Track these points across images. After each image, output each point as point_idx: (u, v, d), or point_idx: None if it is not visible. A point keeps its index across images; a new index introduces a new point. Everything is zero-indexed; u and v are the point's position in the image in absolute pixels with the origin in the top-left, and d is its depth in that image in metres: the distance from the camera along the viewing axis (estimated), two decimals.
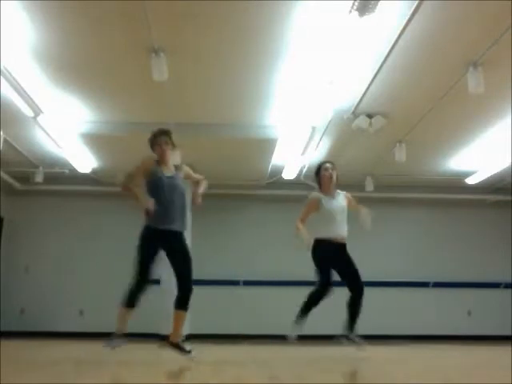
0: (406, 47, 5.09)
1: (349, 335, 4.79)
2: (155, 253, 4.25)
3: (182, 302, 4.23)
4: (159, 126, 7.08)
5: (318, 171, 5.05)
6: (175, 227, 4.31)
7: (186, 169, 4.67)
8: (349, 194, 5.10)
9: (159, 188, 4.31)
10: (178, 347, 4.16)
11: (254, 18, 4.75)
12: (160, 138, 4.43)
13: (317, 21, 4.68)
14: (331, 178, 4.95)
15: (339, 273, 4.91)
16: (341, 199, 4.99)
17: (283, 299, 9.50)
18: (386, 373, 3.66)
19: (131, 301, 4.19)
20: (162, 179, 4.35)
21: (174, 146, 4.52)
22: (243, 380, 2.95)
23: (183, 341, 4.17)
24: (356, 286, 4.85)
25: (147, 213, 4.18)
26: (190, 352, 4.11)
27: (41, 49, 5.26)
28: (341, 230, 4.88)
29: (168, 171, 4.44)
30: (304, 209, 4.93)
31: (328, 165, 5.04)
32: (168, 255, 4.30)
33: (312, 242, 4.78)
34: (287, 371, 3.65)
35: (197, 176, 4.69)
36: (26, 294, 9.51)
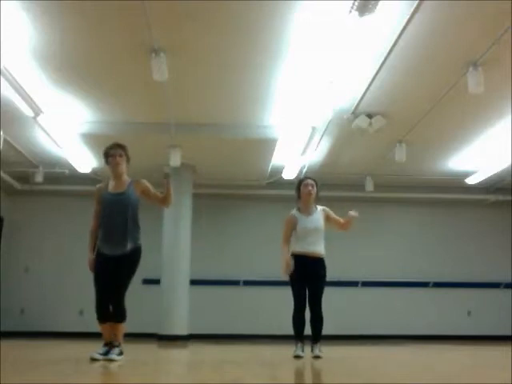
0: (406, 47, 5.09)
1: (313, 344, 4.78)
2: (105, 275, 4.16)
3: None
4: (159, 126, 7.18)
5: (299, 186, 5.04)
6: (117, 252, 4.16)
7: (144, 184, 4.35)
8: (328, 210, 5.03)
9: (102, 207, 4.25)
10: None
11: (253, 18, 4.75)
12: (115, 151, 4.30)
13: (317, 21, 4.69)
14: (310, 194, 4.92)
15: (307, 286, 4.87)
16: (317, 218, 4.92)
17: (283, 299, 9.49)
18: (386, 373, 3.66)
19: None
20: (104, 198, 4.26)
21: (128, 159, 4.37)
22: (243, 380, 2.95)
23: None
24: (312, 309, 4.79)
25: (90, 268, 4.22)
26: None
27: (41, 49, 5.27)
28: (313, 247, 4.84)
29: (118, 187, 4.29)
30: (284, 228, 4.95)
31: (309, 181, 5.01)
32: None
33: (290, 270, 4.79)
34: (287, 371, 3.65)
35: (157, 194, 4.38)
36: (26, 294, 9.52)
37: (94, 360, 3.92)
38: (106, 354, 4.01)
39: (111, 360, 3.94)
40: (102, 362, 3.83)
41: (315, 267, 4.83)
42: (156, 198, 4.38)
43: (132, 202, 4.25)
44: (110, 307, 4.14)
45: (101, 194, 4.29)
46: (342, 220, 4.98)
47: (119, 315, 4.15)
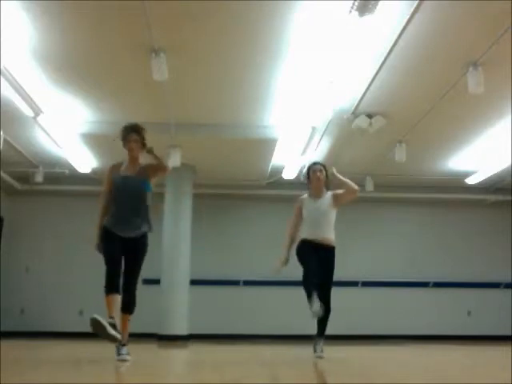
0: (406, 47, 5.09)
1: (316, 341, 4.69)
2: (116, 249, 4.12)
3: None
4: (159, 126, 7.17)
5: (308, 172, 5.02)
6: (127, 234, 4.16)
7: (150, 163, 4.36)
8: (337, 191, 4.88)
9: (114, 190, 4.25)
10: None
11: (253, 18, 4.75)
12: (130, 136, 4.27)
13: (317, 21, 4.68)
14: (319, 179, 4.88)
15: None
16: (324, 201, 4.84)
17: (283, 299, 9.51)
18: (386, 373, 3.66)
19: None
20: (116, 181, 4.27)
21: (144, 144, 4.31)
22: (243, 380, 2.95)
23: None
24: (320, 295, 4.43)
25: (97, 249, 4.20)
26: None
27: (41, 49, 5.27)
28: (322, 232, 4.75)
29: (130, 170, 4.30)
30: (292, 216, 4.93)
31: (317, 166, 4.97)
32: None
33: (281, 268, 4.74)
34: (287, 371, 3.65)
35: (154, 164, 4.34)
36: (26, 294, 9.51)
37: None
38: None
39: (124, 360, 3.89)
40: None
41: (325, 255, 4.69)
42: (157, 168, 4.34)
43: (141, 185, 4.26)
44: (121, 293, 4.06)
45: (112, 175, 4.32)
46: (342, 190, 4.87)
47: (133, 304, 4.13)
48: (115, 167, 4.36)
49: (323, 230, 4.75)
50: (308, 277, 4.55)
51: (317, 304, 4.30)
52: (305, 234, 4.80)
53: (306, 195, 4.99)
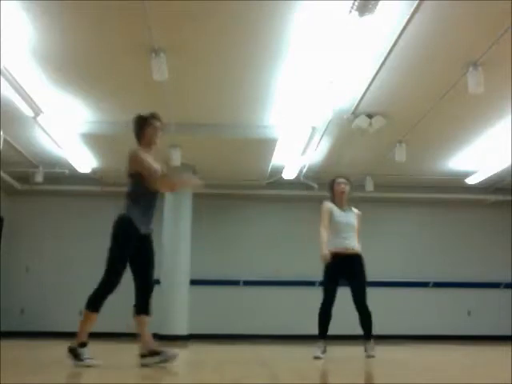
0: (406, 47, 5.09)
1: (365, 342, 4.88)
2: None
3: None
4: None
5: (332, 185, 5.17)
6: (148, 230, 4.01)
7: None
8: (360, 216, 5.14)
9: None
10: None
11: (253, 18, 4.75)
12: (160, 124, 4.08)
13: (317, 21, 4.68)
14: (343, 192, 5.06)
15: (348, 285, 4.94)
16: (351, 216, 5.05)
17: (283, 299, 9.52)
18: (386, 373, 3.66)
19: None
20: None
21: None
22: (243, 380, 2.95)
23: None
24: (358, 308, 4.88)
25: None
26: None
27: (41, 49, 5.27)
28: (350, 242, 4.93)
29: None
30: (321, 216, 5.02)
31: (341, 180, 5.13)
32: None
33: (328, 257, 4.81)
34: (287, 371, 3.65)
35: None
36: (26, 294, 9.52)
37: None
38: None
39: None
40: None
41: (353, 264, 4.89)
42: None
43: None
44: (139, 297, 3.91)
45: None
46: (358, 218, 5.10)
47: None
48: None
49: (351, 241, 4.94)
50: (324, 311, 4.82)
51: (318, 353, 4.62)
52: (334, 244, 4.90)
53: (328, 202, 5.12)
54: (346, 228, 4.94)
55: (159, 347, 3.85)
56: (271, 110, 6.74)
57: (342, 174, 5.36)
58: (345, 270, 4.85)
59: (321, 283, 4.95)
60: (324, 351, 4.70)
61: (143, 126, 4.04)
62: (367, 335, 4.86)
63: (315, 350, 4.68)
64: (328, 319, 4.82)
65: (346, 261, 4.85)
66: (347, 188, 5.08)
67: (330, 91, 5.86)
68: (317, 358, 4.57)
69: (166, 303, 8.31)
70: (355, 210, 5.12)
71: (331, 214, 4.97)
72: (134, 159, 3.89)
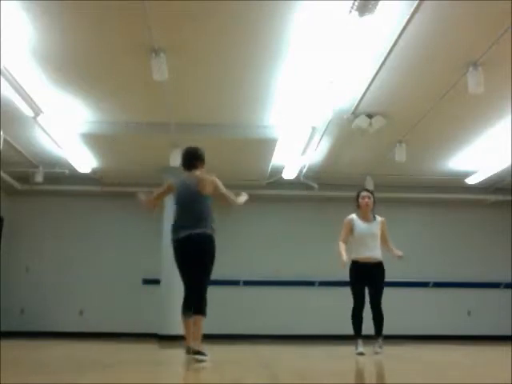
0: (406, 47, 5.09)
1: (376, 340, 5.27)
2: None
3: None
4: (159, 126, 7.17)
5: (357, 198, 5.56)
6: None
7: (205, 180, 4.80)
8: (385, 223, 5.53)
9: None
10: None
11: (253, 18, 4.75)
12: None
13: (317, 21, 4.68)
14: (367, 205, 5.46)
15: (367, 287, 5.39)
16: (375, 226, 5.43)
17: (283, 299, 9.51)
18: (386, 373, 3.66)
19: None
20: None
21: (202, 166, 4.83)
22: (243, 380, 2.95)
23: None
24: (373, 309, 5.29)
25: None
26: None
27: (41, 49, 5.27)
28: (372, 252, 5.34)
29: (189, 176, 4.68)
30: (342, 231, 5.48)
31: (365, 193, 5.56)
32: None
33: (347, 263, 5.27)
34: (287, 371, 3.65)
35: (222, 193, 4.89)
36: (26, 294, 9.51)
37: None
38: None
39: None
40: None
41: (374, 272, 5.33)
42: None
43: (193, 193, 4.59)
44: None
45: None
46: (390, 244, 5.53)
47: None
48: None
49: (372, 251, 5.35)
50: (355, 314, 5.32)
51: (360, 350, 5.10)
52: (356, 253, 5.39)
53: (354, 215, 5.52)
54: (369, 239, 5.35)
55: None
56: (271, 110, 6.74)
57: (366, 187, 5.84)
58: (366, 276, 5.30)
59: (348, 285, 5.39)
60: (363, 347, 5.16)
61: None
62: (378, 333, 5.25)
63: (357, 346, 5.16)
64: (360, 321, 5.29)
65: (368, 268, 5.30)
66: (371, 201, 5.49)
67: (330, 91, 5.86)
68: (360, 353, 5.03)
69: (166, 303, 8.30)
70: (379, 219, 5.50)
71: (353, 226, 5.41)
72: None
